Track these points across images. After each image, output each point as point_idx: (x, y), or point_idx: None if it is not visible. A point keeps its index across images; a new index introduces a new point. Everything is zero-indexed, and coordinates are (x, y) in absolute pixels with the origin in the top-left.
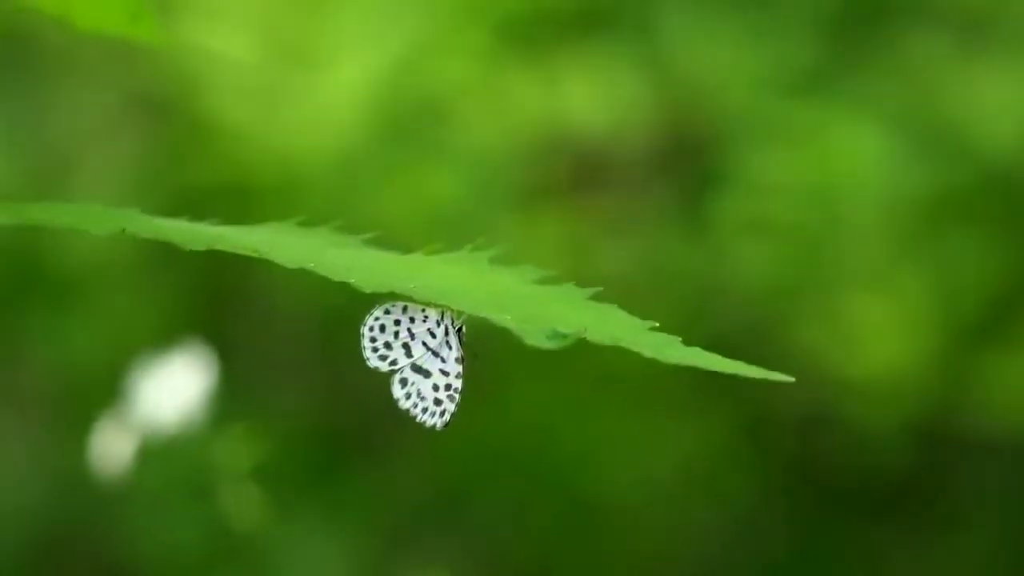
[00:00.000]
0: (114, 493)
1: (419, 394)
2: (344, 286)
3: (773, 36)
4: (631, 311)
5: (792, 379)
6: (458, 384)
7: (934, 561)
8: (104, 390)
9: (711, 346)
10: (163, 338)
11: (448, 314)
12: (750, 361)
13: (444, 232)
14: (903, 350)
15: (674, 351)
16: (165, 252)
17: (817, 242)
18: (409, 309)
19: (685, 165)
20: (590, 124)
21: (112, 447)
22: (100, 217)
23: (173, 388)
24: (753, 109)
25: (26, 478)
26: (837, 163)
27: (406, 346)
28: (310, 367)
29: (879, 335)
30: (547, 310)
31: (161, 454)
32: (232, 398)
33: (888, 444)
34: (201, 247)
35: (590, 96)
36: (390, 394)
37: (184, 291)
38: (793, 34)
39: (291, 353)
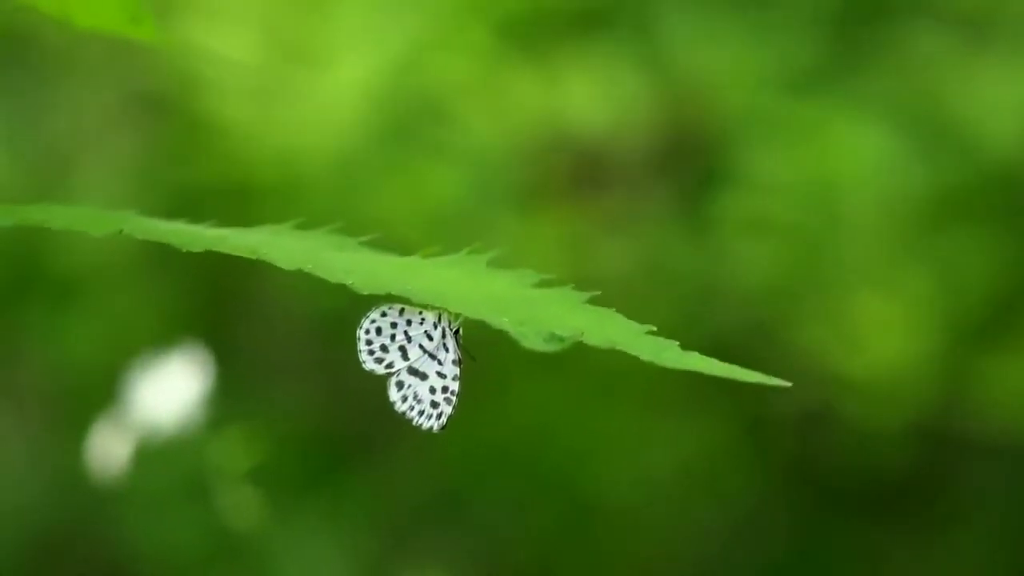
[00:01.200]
0: (112, 493)
1: (415, 397)
2: (343, 287)
3: (773, 35)
4: (631, 311)
5: (789, 384)
6: (455, 387)
7: (934, 561)
8: (103, 390)
9: (711, 346)
10: (162, 338)
11: (445, 317)
12: (749, 362)
13: (444, 231)
14: (904, 349)
15: (671, 355)
16: (165, 252)
17: (818, 241)
18: (406, 312)
19: (685, 164)
20: (590, 123)
21: (110, 447)
22: (98, 219)
23: (171, 389)
24: (753, 108)
25: (25, 478)
26: (838, 162)
27: (403, 349)
28: (310, 367)
29: (880, 334)
30: (544, 313)
31: (159, 454)
32: (231, 399)
33: (888, 444)
34: (199, 249)
35: (590, 95)
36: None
37: (184, 292)
38: (793, 33)
39: (291, 354)
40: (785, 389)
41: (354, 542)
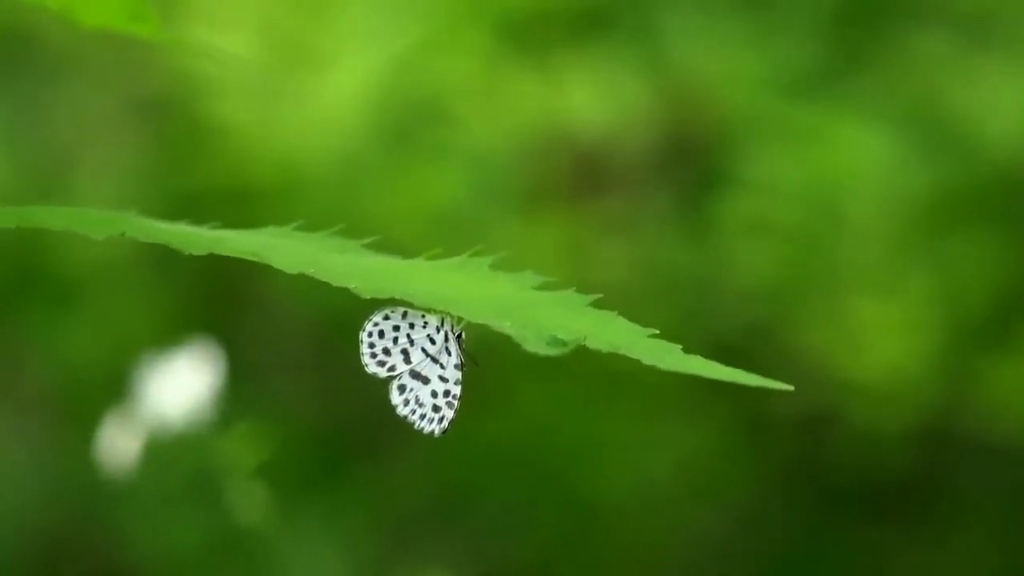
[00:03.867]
0: (118, 491)
1: (417, 400)
2: (347, 288)
3: (774, 36)
4: (632, 313)
5: (791, 387)
6: (457, 391)
7: (934, 562)
8: (106, 389)
9: (712, 348)
10: (167, 337)
11: (448, 320)
12: (750, 364)
13: (444, 232)
14: (905, 351)
15: (673, 358)
16: (168, 251)
17: (818, 243)
18: (409, 315)
19: (686, 166)
20: (591, 124)
21: (117, 445)
22: (99, 221)
23: (178, 387)
24: (754, 110)
25: (26, 478)
26: (838, 164)
27: (405, 352)
28: (314, 366)
29: (881, 336)
30: (547, 316)
31: (165, 453)
32: (236, 398)
33: (889, 445)
34: (200, 251)
35: (591, 97)
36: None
37: (188, 290)
38: (794, 34)
39: (294, 352)
40: (786, 390)
41: (355, 542)
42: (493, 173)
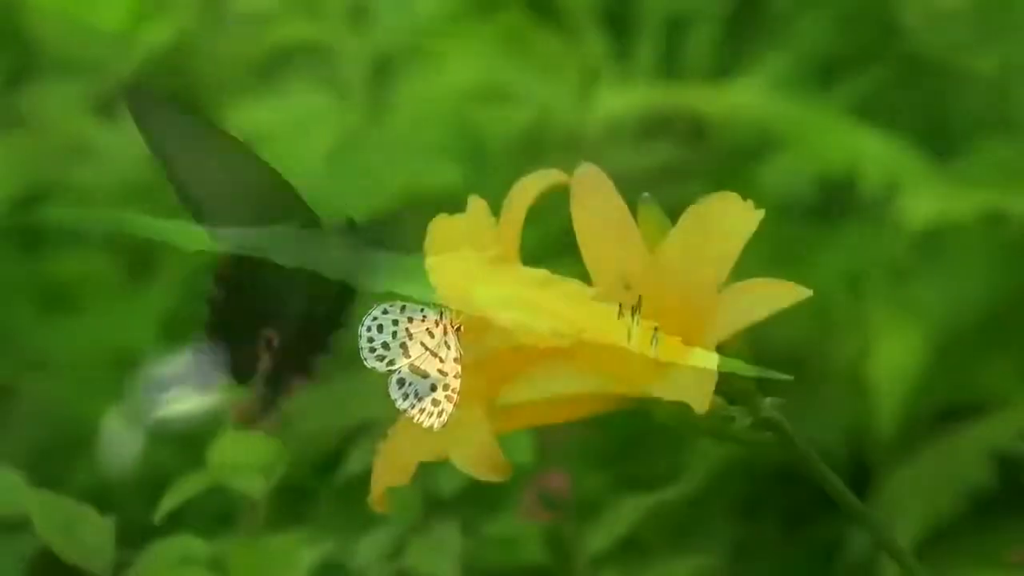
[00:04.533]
0: (117, 490)
1: (416, 394)
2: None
3: (776, 37)
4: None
5: (790, 377)
6: (456, 384)
7: (934, 563)
8: (106, 390)
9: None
10: (167, 337)
11: (447, 314)
12: (748, 362)
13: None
14: (906, 352)
15: (671, 350)
16: (169, 250)
17: (819, 244)
18: (407, 309)
19: (687, 166)
20: (592, 124)
21: (116, 445)
22: (100, 220)
23: (178, 388)
24: (758, 110)
25: (27, 479)
26: (840, 164)
27: (404, 346)
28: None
29: (882, 337)
30: (546, 310)
31: (165, 453)
32: (235, 398)
33: (889, 445)
34: (201, 248)
35: (592, 96)
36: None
37: (188, 289)
38: (797, 34)
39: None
40: (784, 392)
41: (356, 540)
42: (493, 173)
